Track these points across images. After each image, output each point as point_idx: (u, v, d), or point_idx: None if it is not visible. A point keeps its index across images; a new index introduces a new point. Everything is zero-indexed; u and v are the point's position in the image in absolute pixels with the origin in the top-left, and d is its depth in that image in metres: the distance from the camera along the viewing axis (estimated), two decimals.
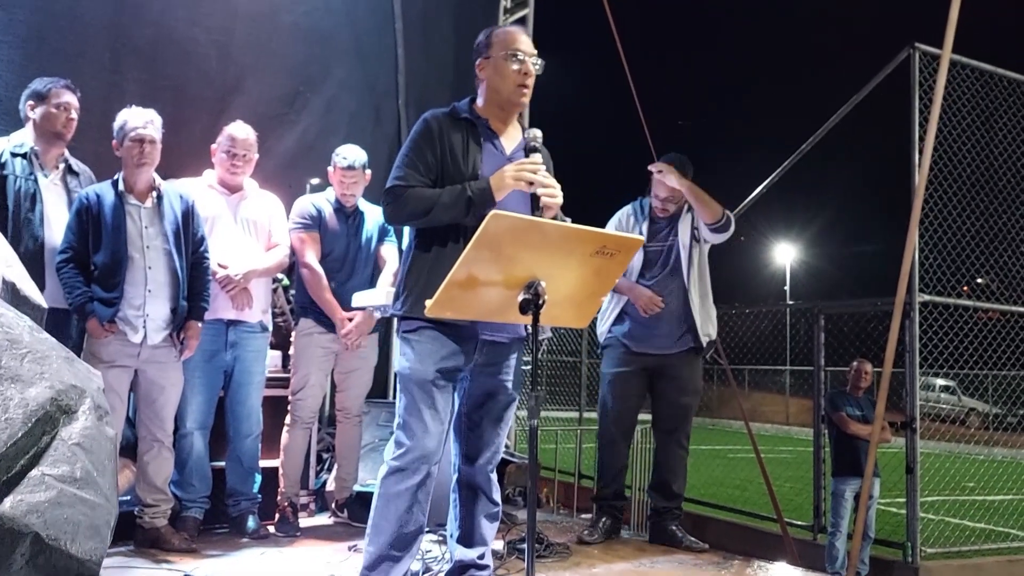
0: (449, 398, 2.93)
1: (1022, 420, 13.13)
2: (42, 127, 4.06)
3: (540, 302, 2.39)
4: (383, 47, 6.40)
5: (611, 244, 2.44)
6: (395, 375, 3.04)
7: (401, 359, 2.92)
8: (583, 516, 5.78)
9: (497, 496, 3.03)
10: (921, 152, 5.90)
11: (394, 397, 6.11)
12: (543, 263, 2.39)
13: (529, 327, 2.43)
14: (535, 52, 2.98)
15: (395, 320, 3.07)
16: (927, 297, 5.86)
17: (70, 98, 4.11)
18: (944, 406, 20.37)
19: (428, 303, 2.38)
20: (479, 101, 3.04)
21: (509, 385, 3.02)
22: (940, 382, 21.03)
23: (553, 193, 2.76)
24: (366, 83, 6.30)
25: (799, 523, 6.61)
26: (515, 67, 2.91)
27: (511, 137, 3.04)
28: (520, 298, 2.39)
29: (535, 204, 2.75)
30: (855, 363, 6.47)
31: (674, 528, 4.77)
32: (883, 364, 4.90)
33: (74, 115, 4.12)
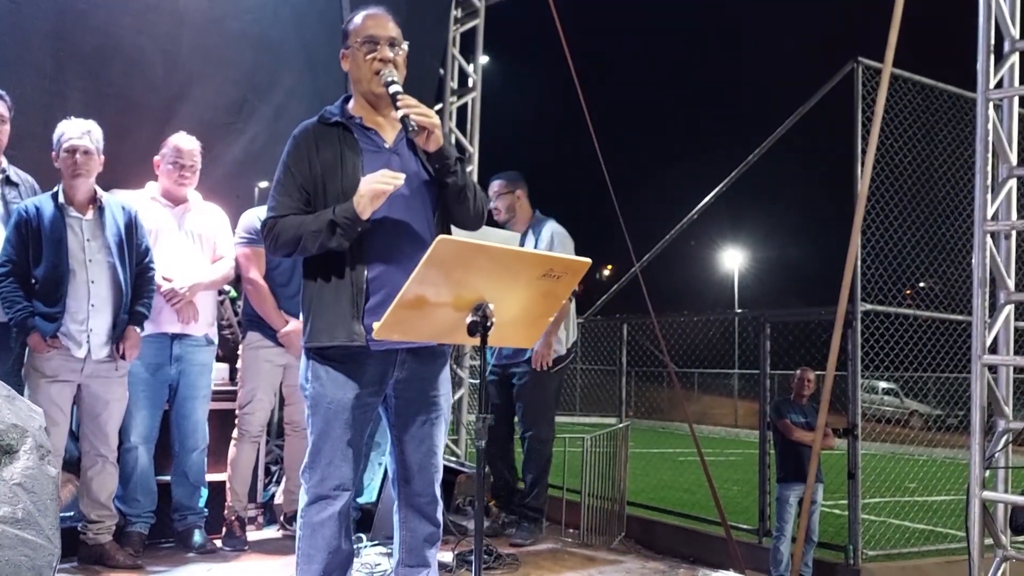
0: (367, 419, 2.81)
1: (962, 421, 13.41)
2: None
3: (488, 324, 2.39)
4: (332, 55, 6.26)
5: (558, 267, 2.45)
6: (302, 393, 2.89)
7: (313, 382, 2.76)
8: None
9: (439, 516, 2.93)
10: (863, 164, 6.05)
11: None
12: (491, 285, 2.40)
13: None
14: (394, 35, 2.79)
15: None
16: (869, 307, 5.99)
17: None
18: (887, 408, 20.78)
19: (376, 325, 2.37)
20: (352, 99, 2.88)
21: (438, 400, 2.88)
22: (883, 384, 21.42)
23: (424, 111, 2.63)
24: (315, 91, 6.23)
25: (745, 527, 6.71)
26: (369, 54, 2.75)
27: (392, 127, 2.83)
28: (468, 320, 2.40)
29: (405, 128, 2.62)
30: (799, 371, 6.58)
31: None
32: (844, 375, 5.01)
33: None
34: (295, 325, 4.46)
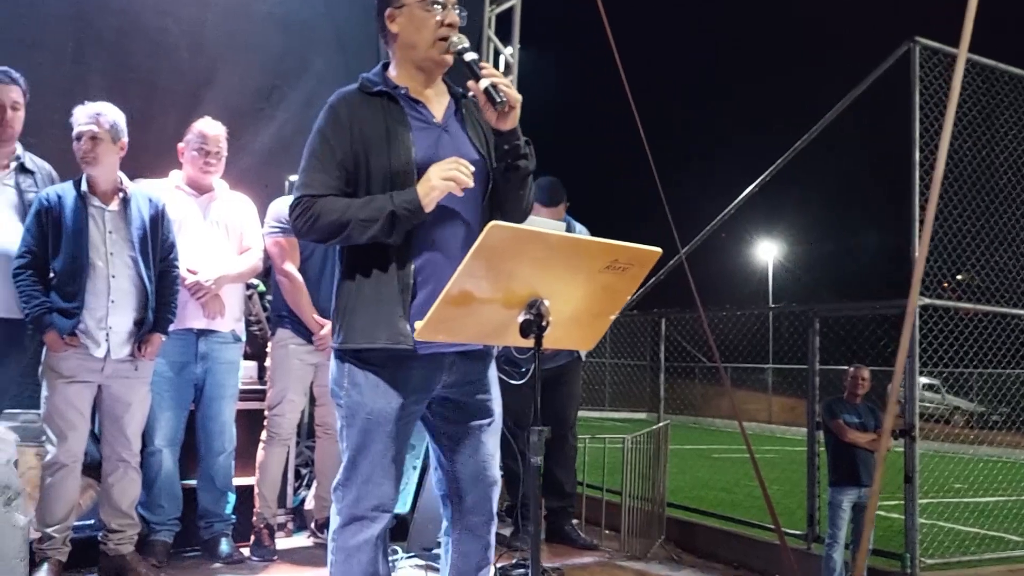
0: (410, 431, 2.51)
1: (1007, 418, 13.04)
2: None
3: (544, 323, 2.11)
4: (365, 38, 6.12)
5: (623, 257, 2.16)
6: (333, 399, 2.58)
7: (349, 389, 2.43)
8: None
9: (493, 537, 2.63)
10: (922, 150, 5.74)
11: None
12: (546, 279, 2.12)
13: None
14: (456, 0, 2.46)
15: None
16: (927, 300, 5.67)
17: (3, 94, 3.75)
18: (928, 405, 20.31)
19: (418, 325, 2.10)
20: (392, 66, 2.53)
21: (490, 404, 2.56)
22: (924, 380, 20.93)
23: (508, 83, 2.35)
24: (347, 76, 5.91)
25: (793, 532, 6.41)
26: (435, 16, 2.41)
27: (439, 100, 2.53)
28: (521, 319, 2.12)
29: (492, 98, 2.29)
30: (852, 368, 6.26)
31: (568, 528, 5.15)
32: (892, 372, 4.69)
33: (10, 113, 3.76)
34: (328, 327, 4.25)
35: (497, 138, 2.45)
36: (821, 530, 6.09)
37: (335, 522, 2.47)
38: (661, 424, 7.04)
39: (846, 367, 6.05)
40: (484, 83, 2.31)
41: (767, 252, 38.81)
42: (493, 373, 2.62)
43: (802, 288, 36.65)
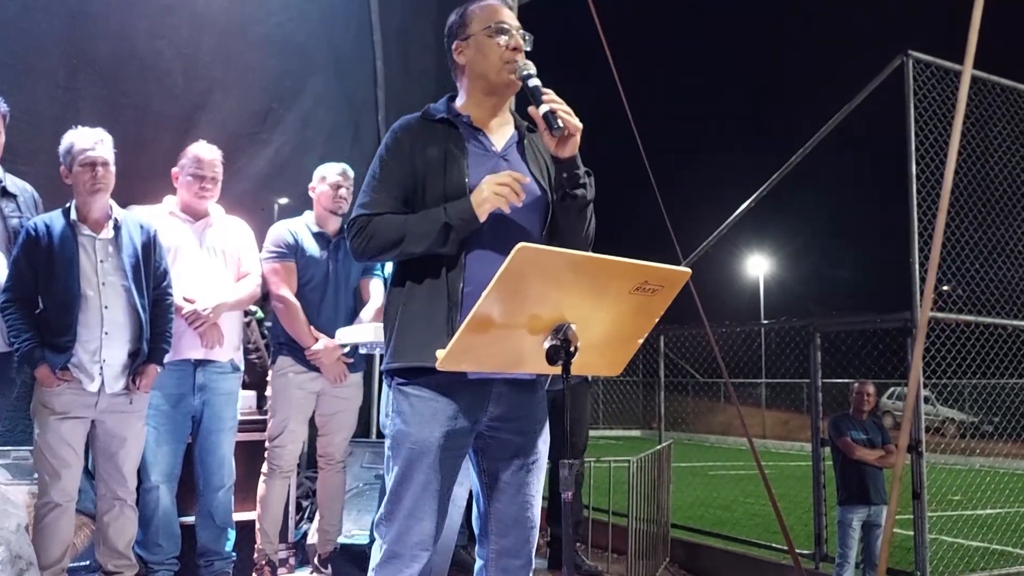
0: (456, 466, 2.42)
1: (996, 427, 13.03)
2: None
3: (572, 349, 2.01)
4: (361, 60, 6.06)
5: (654, 279, 2.06)
6: (382, 430, 2.49)
7: (394, 418, 2.39)
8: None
9: None
10: (918, 163, 5.71)
11: (379, 437, 5.71)
12: (573, 303, 2.02)
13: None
14: (520, 26, 2.48)
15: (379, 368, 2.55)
16: (931, 314, 5.60)
17: None
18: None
19: (440, 354, 1.99)
20: (459, 96, 2.58)
21: (538, 442, 2.47)
22: None
23: (569, 111, 2.32)
24: (343, 98, 5.93)
25: (801, 551, 6.32)
26: (501, 42, 2.44)
27: (502, 131, 2.55)
28: (547, 345, 2.02)
29: (550, 124, 2.28)
30: (856, 384, 6.20)
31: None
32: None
33: None
34: (327, 343, 4.12)
35: (556, 166, 2.44)
36: (829, 550, 6.00)
37: (375, 558, 2.39)
38: (664, 444, 6.95)
39: (840, 380, 5.99)
40: (543, 108, 2.30)
41: (757, 266, 38.82)
42: (543, 406, 2.52)
43: (791, 301, 36.71)
